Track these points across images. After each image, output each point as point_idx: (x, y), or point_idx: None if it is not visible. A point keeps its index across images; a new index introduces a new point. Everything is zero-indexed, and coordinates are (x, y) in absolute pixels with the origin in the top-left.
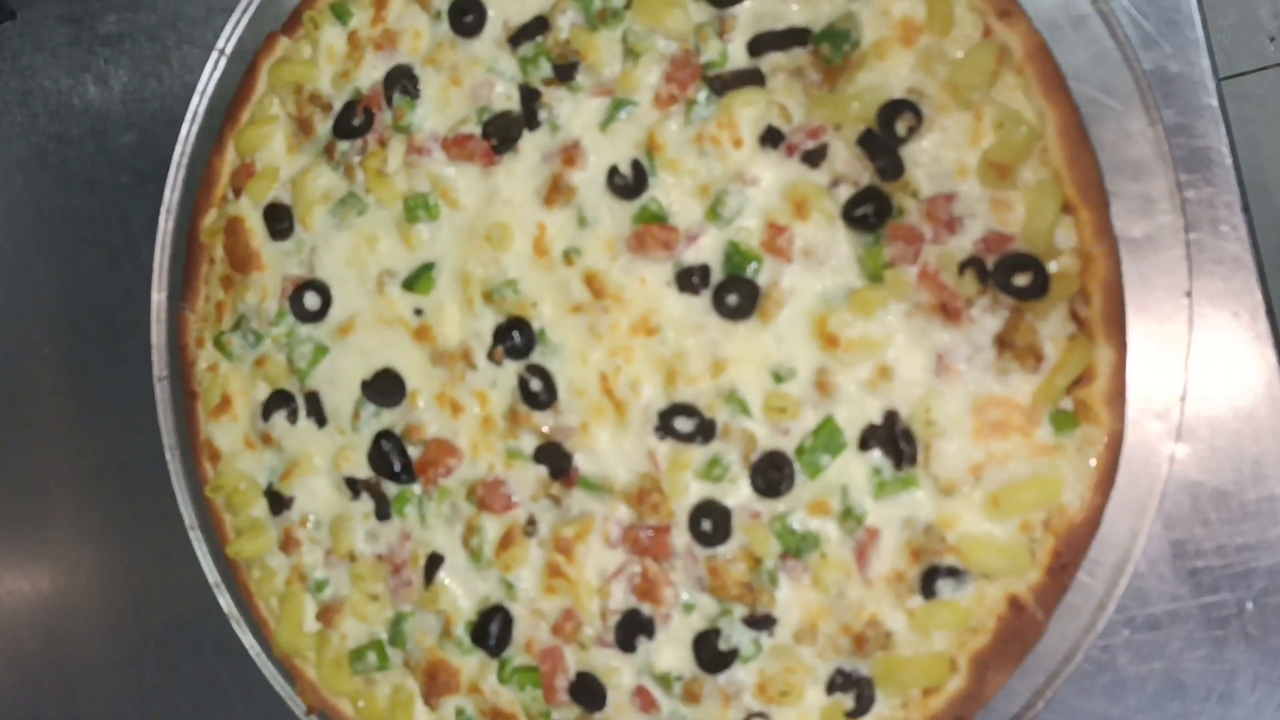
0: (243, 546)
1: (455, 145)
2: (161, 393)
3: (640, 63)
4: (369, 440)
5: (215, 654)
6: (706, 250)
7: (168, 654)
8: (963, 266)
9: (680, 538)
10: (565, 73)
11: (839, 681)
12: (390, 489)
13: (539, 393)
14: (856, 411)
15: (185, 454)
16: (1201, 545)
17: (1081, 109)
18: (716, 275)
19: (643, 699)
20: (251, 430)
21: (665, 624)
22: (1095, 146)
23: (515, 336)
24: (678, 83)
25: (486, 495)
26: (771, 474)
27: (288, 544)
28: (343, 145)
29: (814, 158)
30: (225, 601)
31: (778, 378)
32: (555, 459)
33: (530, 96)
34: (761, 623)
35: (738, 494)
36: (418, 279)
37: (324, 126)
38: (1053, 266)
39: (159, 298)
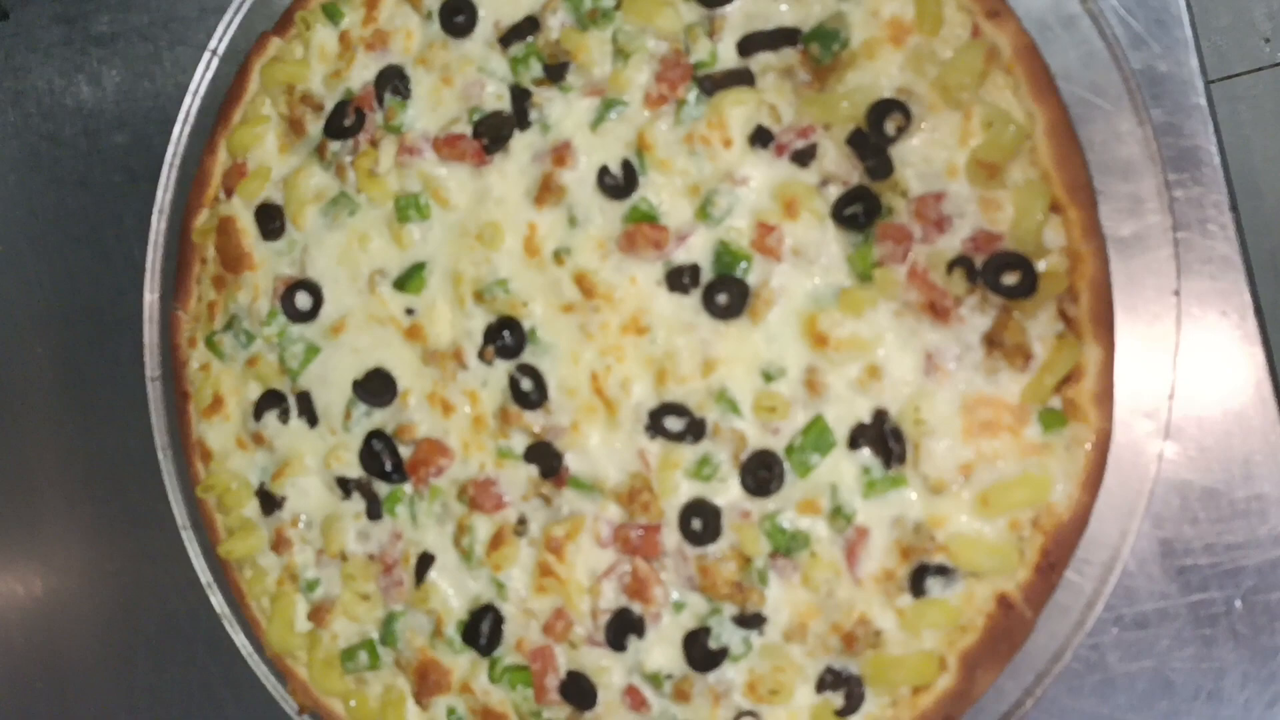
0: (234, 546)
1: (446, 145)
2: (153, 392)
3: (630, 63)
4: (360, 440)
5: (207, 653)
6: (697, 250)
7: (159, 653)
8: (951, 266)
9: (670, 537)
10: (556, 73)
11: (829, 680)
12: (381, 488)
13: (530, 392)
14: (846, 411)
15: (177, 454)
16: (1190, 544)
17: (1070, 109)
18: (707, 275)
19: (633, 698)
20: (243, 430)
21: (655, 623)
22: (1084, 146)
23: (506, 336)
24: (668, 82)
25: (477, 495)
26: (761, 473)
27: (279, 544)
28: (334, 145)
29: (804, 157)
30: (217, 601)
31: (767, 377)
32: (546, 458)
33: (521, 96)
34: (751, 621)
35: (728, 493)
36: (409, 278)
37: (316, 126)
38: (1041, 266)
39: (151, 297)
